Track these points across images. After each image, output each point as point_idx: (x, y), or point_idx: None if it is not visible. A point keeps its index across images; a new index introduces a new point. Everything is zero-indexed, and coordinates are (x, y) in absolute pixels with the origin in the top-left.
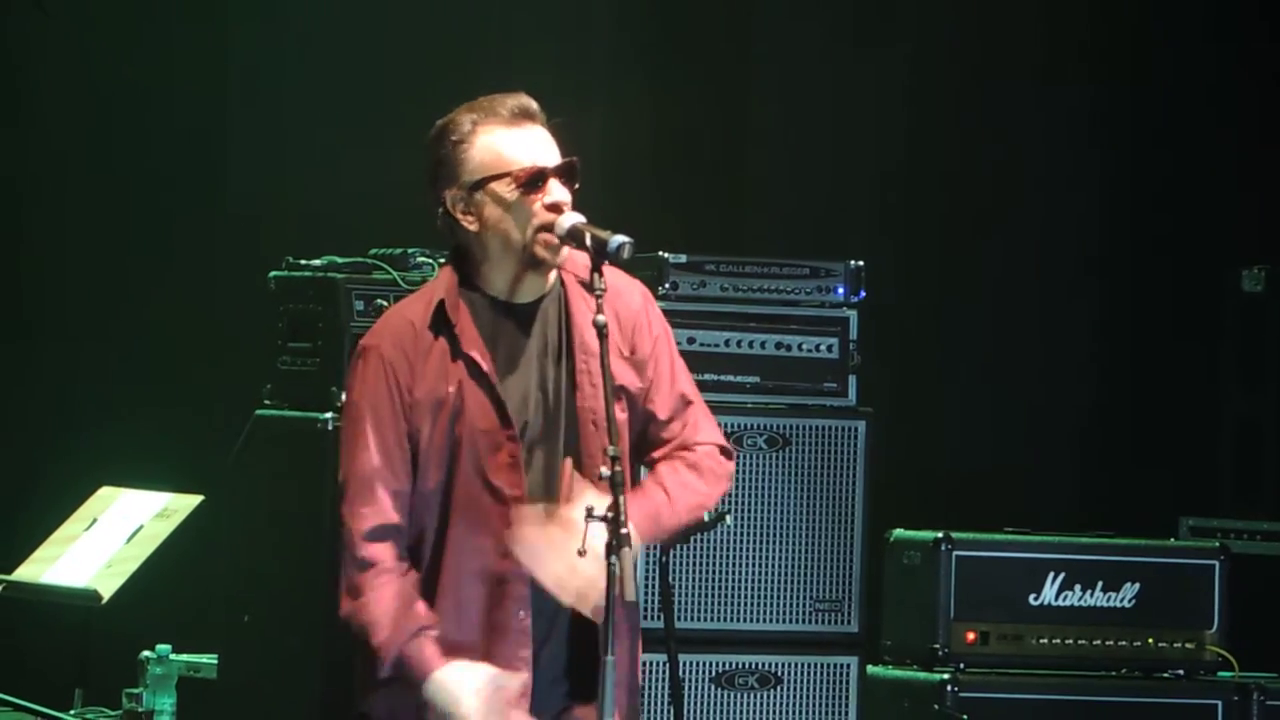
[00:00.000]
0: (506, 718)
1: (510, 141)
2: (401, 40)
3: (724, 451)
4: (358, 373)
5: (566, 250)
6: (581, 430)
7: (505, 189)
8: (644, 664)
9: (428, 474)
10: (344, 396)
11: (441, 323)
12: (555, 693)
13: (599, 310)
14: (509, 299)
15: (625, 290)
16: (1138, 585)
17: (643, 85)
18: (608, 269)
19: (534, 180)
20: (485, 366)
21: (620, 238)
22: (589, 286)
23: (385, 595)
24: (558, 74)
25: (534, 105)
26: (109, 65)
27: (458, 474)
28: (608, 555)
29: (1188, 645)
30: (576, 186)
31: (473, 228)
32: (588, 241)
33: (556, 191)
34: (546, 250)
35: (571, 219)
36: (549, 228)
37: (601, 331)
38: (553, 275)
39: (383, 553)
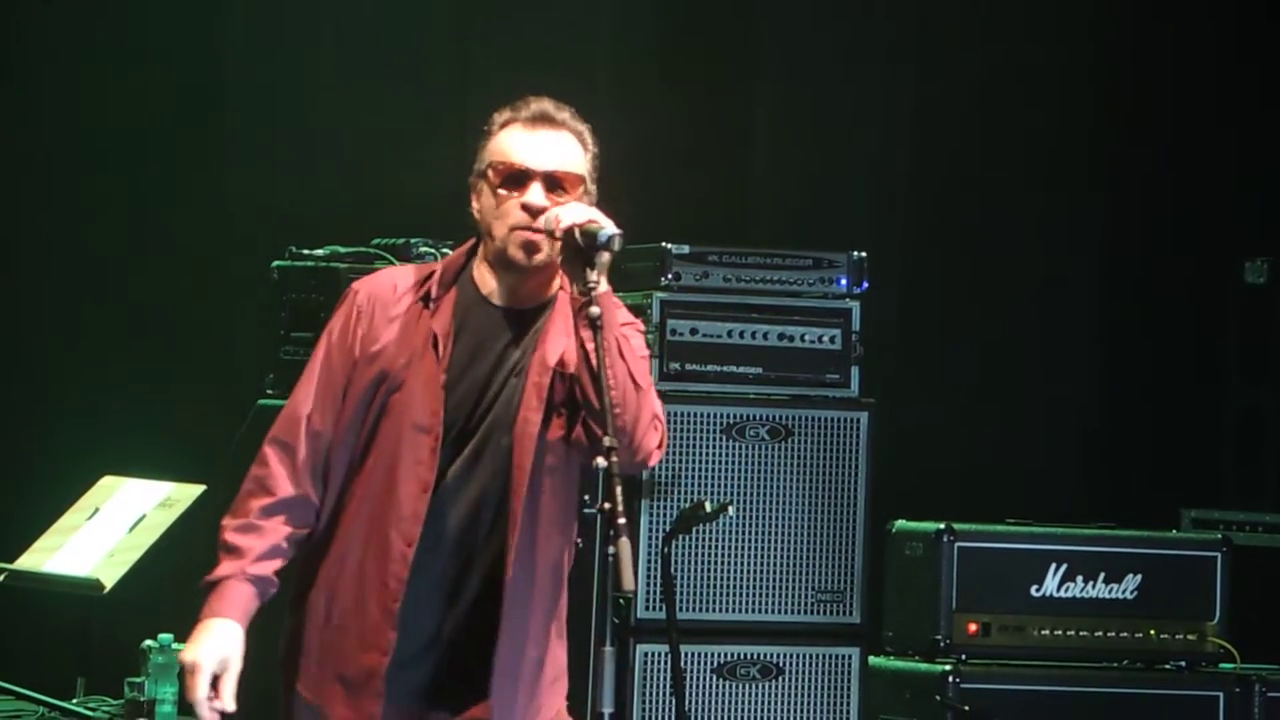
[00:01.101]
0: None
1: (516, 140)
2: (404, 33)
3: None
4: (337, 308)
5: (542, 255)
6: (516, 444)
7: (492, 180)
8: (646, 655)
9: (351, 432)
10: None
11: (426, 295)
12: (455, 689)
13: (593, 303)
14: (493, 298)
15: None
16: (1140, 577)
17: (648, 76)
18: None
19: (513, 177)
20: (439, 352)
21: (611, 229)
22: (584, 301)
23: (269, 538)
24: (561, 68)
25: (559, 114)
26: (108, 55)
27: (376, 442)
28: (604, 546)
29: (1189, 637)
30: (565, 199)
31: (476, 215)
32: (577, 233)
33: (533, 194)
34: (518, 249)
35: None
36: (522, 228)
37: (595, 323)
38: (552, 289)
39: (284, 494)
